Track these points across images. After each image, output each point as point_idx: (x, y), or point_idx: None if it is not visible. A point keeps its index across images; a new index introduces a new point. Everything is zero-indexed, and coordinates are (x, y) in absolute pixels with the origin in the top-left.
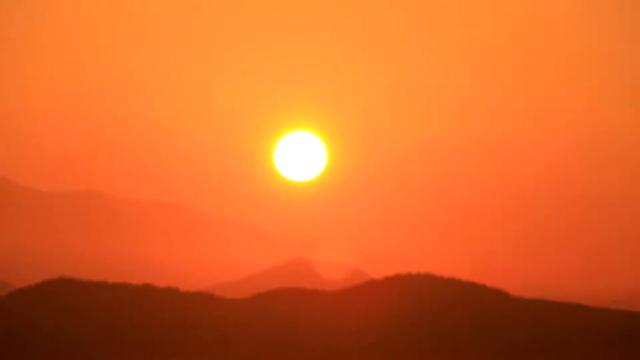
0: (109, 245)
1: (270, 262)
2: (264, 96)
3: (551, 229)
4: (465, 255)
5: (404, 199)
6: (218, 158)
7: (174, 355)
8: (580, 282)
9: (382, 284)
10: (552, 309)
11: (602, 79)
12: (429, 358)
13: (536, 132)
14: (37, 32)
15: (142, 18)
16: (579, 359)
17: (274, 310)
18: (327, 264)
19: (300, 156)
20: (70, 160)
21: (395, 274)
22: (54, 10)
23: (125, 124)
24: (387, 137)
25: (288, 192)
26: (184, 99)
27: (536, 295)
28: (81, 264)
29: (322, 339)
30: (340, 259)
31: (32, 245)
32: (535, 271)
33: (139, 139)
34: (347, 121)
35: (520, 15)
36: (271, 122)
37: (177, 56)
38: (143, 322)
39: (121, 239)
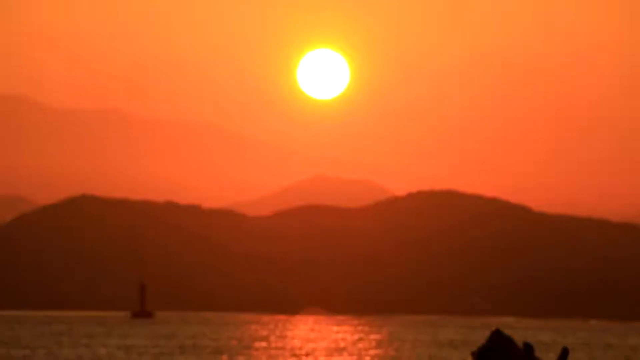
0: (132, 163)
1: (292, 180)
2: (287, 13)
3: (575, 146)
4: (488, 172)
5: (426, 116)
6: (240, 76)
7: (195, 270)
8: (603, 198)
9: (404, 200)
10: (576, 224)
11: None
12: (451, 272)
13: (560, 51)
14: None
15: None
16: (601, 274)
17: (295, 227)
18: (348, 181)
19: (323, 74)
20: (93, 80)
21: (418, 190)
22: None
23: (147, 44)
24: (410, 55)
25: (310, 110)
26: (207, 19)
27: (559, 211)
28: (104, 182)
29: (344, 255)
30: (362, 176)
31: (54, 163)
32: (558, 187)
33: (161, 59)
34: (370, 39)
35: None
36: (294, 39)
37: None
38: (165, 238)
39: (143, 158)
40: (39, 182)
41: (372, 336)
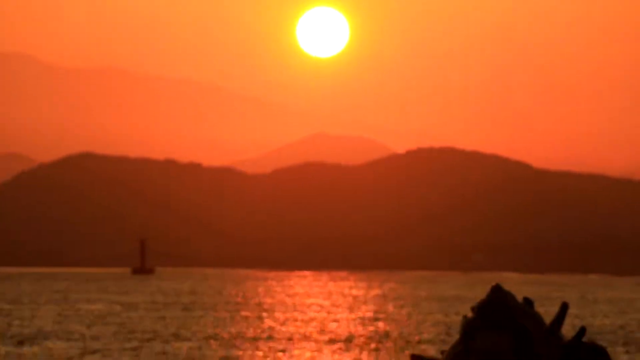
0: (131, 121)
1: (292, 138)
2: None
3: (575, 102)
4: (488, 129)
5: (425, 74)
6: (239, 35)
7: (196, 227)
8: (604, 154)
9: (404, 157)
10: (576, 180)
11: None
12: (451, 228)
13: (560, 9)
14: None
15: None
16: (602, 230)
17: (295, 184)
18: (348, 139)
19: (322, 32)
20: (93, 37)
21: (417, 147)
22: None
23: (147, 1)
24: (410, 13)
25: (310, 68)
26: None
27: (560, 168)
28: (103, 140)
29: (344, 212)
30: (361, 134)
31: (54, 121)
32: (559, 144)
33: (161, 17)
34: None
35: None
36: None
37: None
38: (165, 196)
39: (143, 116)
40: (39, 140)
41: (372, 292)
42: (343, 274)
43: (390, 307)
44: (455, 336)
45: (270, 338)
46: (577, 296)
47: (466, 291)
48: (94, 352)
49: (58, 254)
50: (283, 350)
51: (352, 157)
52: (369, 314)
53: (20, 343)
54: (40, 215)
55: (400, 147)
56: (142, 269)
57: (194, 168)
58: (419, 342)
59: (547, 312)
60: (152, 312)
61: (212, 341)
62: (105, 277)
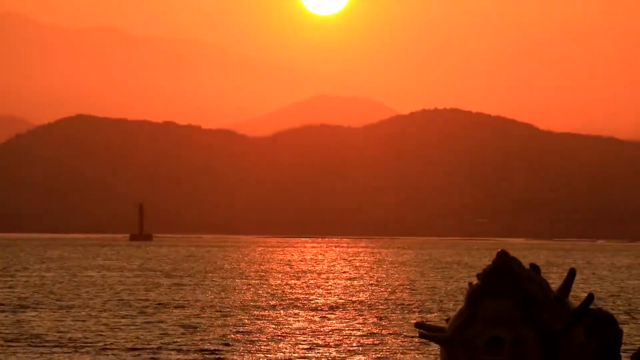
0: (129, 83)
1: (293, 99)
2: None
3: (582, 63)
4: (493, 90)
5: (430, 34)
6: None
7: (195, 191)
8: (611, 115)
9: (407, 119)
10: (582, 142)
11: None
12: (456, 192)
13: None
14: None
15: None
16: (609, 194)
17: (297, 148)
18: (351, 100)
19: None
20: None
21: (422, 109)
22: None
23: None
24: None
25: (311, 26)
26: None
27: (566, 130)
28: (100, 102)
29: (348, 174)
30: (364, 95)
31: (50, 82)
32: (565, 105)
33: None
34: None
35: None
36: None
37: None
38: (164, 160)
39: (142, 77)
40: (34, 102)
41: (375, 258)
42: (345, 240)
43: (393, 274)
44: (461, 303)
45: (272, 305)
46: (584, 262)
47: (471, 258)
48: (87, 320)
49: (54, 219)
50: (284, 318)
51: (354, 119)
52: (372, 281)
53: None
54: (35, 178)
55: (404, 108)
56: (140, 236)
57: (193, 130)
58: (423, 309)
59: (554, 278)
60: (150, 279)
61: (211, 308)
62: (103, 243)
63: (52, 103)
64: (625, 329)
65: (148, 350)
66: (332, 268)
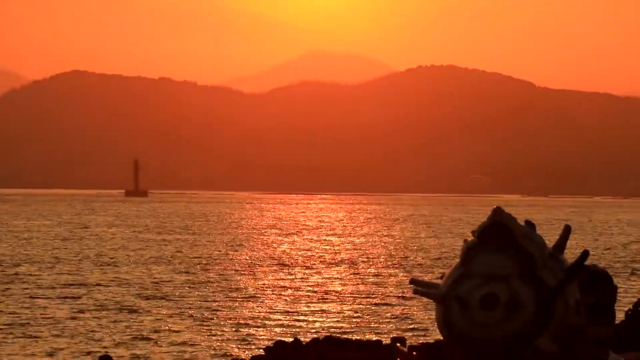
0: (125, 38)
1: (289, 55)
2: None
3: (578, 19)
4: (489, 46)
5: None
6: None
7: (191, 148)
8: (608, 72)
9: (403, 76)
10: (579, 99)
11: None
12: (452, 149)
13: None
14: None
15: None
16: (606, 151)
17: (292, 104)
18: (347, 57)
19: None
20: None
21: (418, 65)
22: None
23: None
24: None
25: None
26: None
27: (562, 86)
28: (96, 58)
29: (344, 131)
30: (360, 52)
31: (45, 37)
32: (561, 62)
33: None
34: None
35: None
36: None
37: None
38: (159, 116)
39: (137, 33)
40: (29, 57)
41: (371, 215)
42: (342, 197)
43: (390, 231)
44: (456, 259)
45: (269, 262)
46: (580, 219)
47: (466, 214)
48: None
49: (50, 175)
50: (282, 274)
51: (351, 75)
52: (368, 238)
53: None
54: (30, 134)
55: (401, 65)
56: (136, 191)
57: (189, 86)
58: (418, 265)
59: (549, 235)
60: (145, 234)
61: (209, 264)
62: (98, 199)
63: (47, 58)
64: (620, 285)
65: (142, 308)
66: (328, 225)
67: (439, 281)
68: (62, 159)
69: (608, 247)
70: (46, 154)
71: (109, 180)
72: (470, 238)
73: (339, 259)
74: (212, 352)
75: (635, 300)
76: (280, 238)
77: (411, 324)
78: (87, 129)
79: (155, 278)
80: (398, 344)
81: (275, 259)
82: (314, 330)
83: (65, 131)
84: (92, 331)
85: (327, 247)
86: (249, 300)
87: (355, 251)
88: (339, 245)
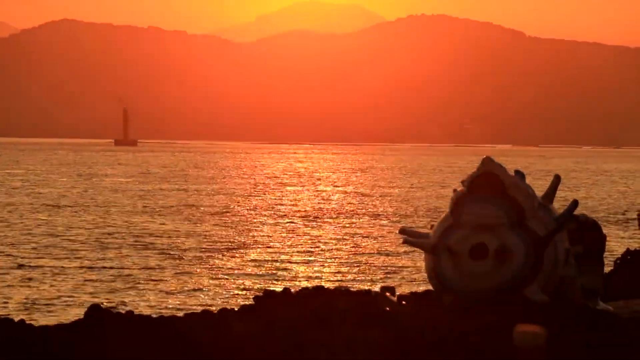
0: None
1: (278, 5)
2: None
3: None
4: None
5: None
6: None
7: (180, 97)
8: (598, 21)
9: (394, 25)
10: (569, 48)
11: None
12: (443, 99)
13: None
14: None
15: None
16: (596, 100)
17: (282, 54)
18: (337, 6)
19: None
20: None
21: (408, 15)
22: None
23: None
24: None
25: None
26: None
27: (553, 35)
28: (85, 6)
29: (332, 82)
30: (351, 1)
31: None
32: (552, 11)
33: None
34: None
35: None
36: None
37: None
38: (149, 65)
39: None
40: (19, 5)
41: (363, 165)
42: (332, 146)
43: (379, 181)
44: (446, 209)
45: (258, 213)
46: (570, 168)
47: (456, 164)
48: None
49: (39, 123)
50: (270, 225)
51: (341, 25)
52: (360, 187)
53: None
54: (19, 84)
55: (391, 14)
56: (125, 141)
57: (179, 36)
58: (408, 215)
59: (539, 185)
60: (135, 184)
61: (202, 213)
62: (88, 148)
63: (36, 7)
64: (609, 234)
65: (132, 257)
66: (317, 175)
67: (429, 231)
68: (51, 107)
69: (598, 196)
70: (35, 103)
71: (99, 130)
72: (460, 188)
73: (328, 210)
74: (201, 301)
75: (624, 249)
76: (270, 189)
77: (400, 273)
78: (76, 77)
79: (145, 227)
80: (387, 294)
81: (264, 210)
82: (304, 281)
83: (55, 80)
84: (81, 280)
85: (317, 198)
86: (238, 251)
87: (345, 202)
88: (327, 196)
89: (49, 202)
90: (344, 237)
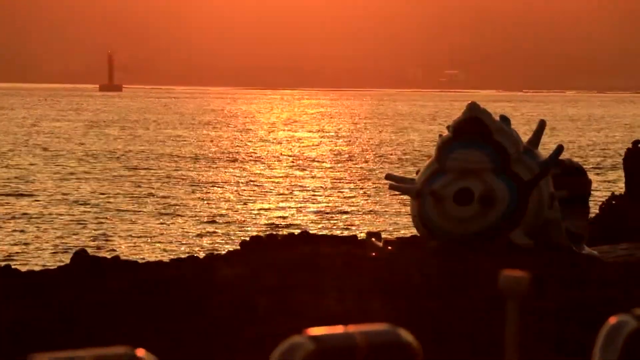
0: None
1: None
2: None
3: None
4: None
5: None
6: None
7: (167, 42)
8: None
9: None
10: None
11: None
12: (427, 43)
13: None
14: None
15: None
16: (579, 44)
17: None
18: None
19: None
20: None
21: None
22: None
23: None
24: None
25: None
26: None
27: None
28: None
29: (314, 28)
30: None
31: None
32: None
33: None
34: None
35: None
36: None
37: None
38: (135, 8)
39: None
40: None
41: (346, 110)
42: (313, 92)
43: (363, 127)
44: (431, 155)
45: (244, 158)
46: (554, 113)
47: (441, 109)
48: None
49: (23, 68)
50: (256, 170)
51: None
52: (344, 133)
53: None
54: (2, 27)
55: None
56: (110, 86)
57: None
58: (394, 161)
59: (524, 130)
60: (123, 130)
61: (189, 160)
62: (72, 93)
63: None
64: (594, 179)
65: (117, 203)
66: (301, 120)
67: (414, 176)
68: (33, 53)
69: (583, 141)
70: (17, 48)
71: (83, 75)
72: (446, 133)
73: (314, 156)
74: (188, 247)
75: (609, 194)
76: (256, 134)
77: (386, 219)
78: (59, 21)
79: (129, 173)
80: (373, 239)
81: (249, 157)
82: (290, 227)
83: (36, 23)
84: (66, 226)
85: (302, 144)
86: (224, 196)
87: (330, 147)
88: (312, 143)
89: (37, 146)
90: (330, 183)
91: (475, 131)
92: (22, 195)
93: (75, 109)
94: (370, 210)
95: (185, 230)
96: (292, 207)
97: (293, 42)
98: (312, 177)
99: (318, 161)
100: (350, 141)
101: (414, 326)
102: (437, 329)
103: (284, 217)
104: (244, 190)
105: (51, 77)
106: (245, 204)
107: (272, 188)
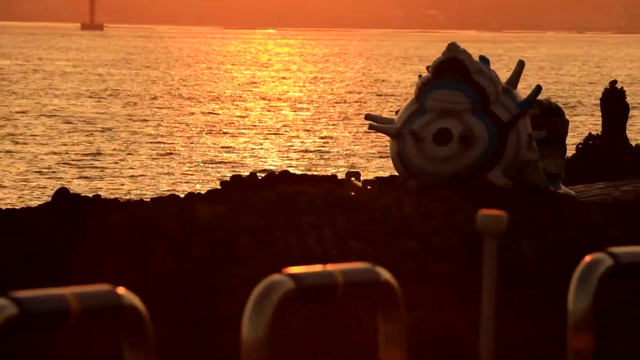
0: None
1: None
2: None
3: None
4: None
5: None
6: None
7: None
8: None
9: None
10: None
11: None
12: None
13: None
14: None
15: None
16: None
17: None
18: None
19: None
20: None
21: None
22: None
23: None
24: None
25: None
26: None
27: None
28: None
29: None
30: None
31: None
32: None
33: None
34: None
35: None
36: None
37: None
38: None
39: None
40: None
41: (326, 51)
42: (296, 31)
43: (342, 67)
44: (411, 95)
45: (223, 98)
46: (533, 55)
47: (421, 50)
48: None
49: (3, 6)
50: (236, 110)
51: None
52: (325, 75)
53: None
54: None
55: None
56: (92, 25)
57: None
58: (374, 102)
59: (503, 71)
60: (104, 68)
61: (164, 98)
62: (53, 32)
63: None
64: (571, 119)
65: (97, 142)
66: (279, 60)
67: (394, 116)
68: None
69: (562, 81)
70: None
71: (64, 12)
72: (425, 74)
73: (292, 96)
74: (168, 187)
75: (586, 134)
76: (238, 75)
77: (366, 159)
78: None
79: (114, 112)
80: (352, 178)
81: (230, 96)
82: (270, 166)
83: None
84: (48, 164)
85: (281, 84)
86: (205, 136)
87: (308, 88)
88: (292, 82)
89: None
90: (309, 122)
91: (454, 72)
92: (7, 134)
93: (67, 49)
94: (350, 151)
95: (166, 168)
96: (273, 147)
97: None
98: (291, 116)
99: (297, 100)
100: (327, 81)
101: (393, 265)
102: (416, 268)
103: (264, 157)
104: (225, 130)
105: (30, 14)
106: (225, 144)
107: (252, 127)
